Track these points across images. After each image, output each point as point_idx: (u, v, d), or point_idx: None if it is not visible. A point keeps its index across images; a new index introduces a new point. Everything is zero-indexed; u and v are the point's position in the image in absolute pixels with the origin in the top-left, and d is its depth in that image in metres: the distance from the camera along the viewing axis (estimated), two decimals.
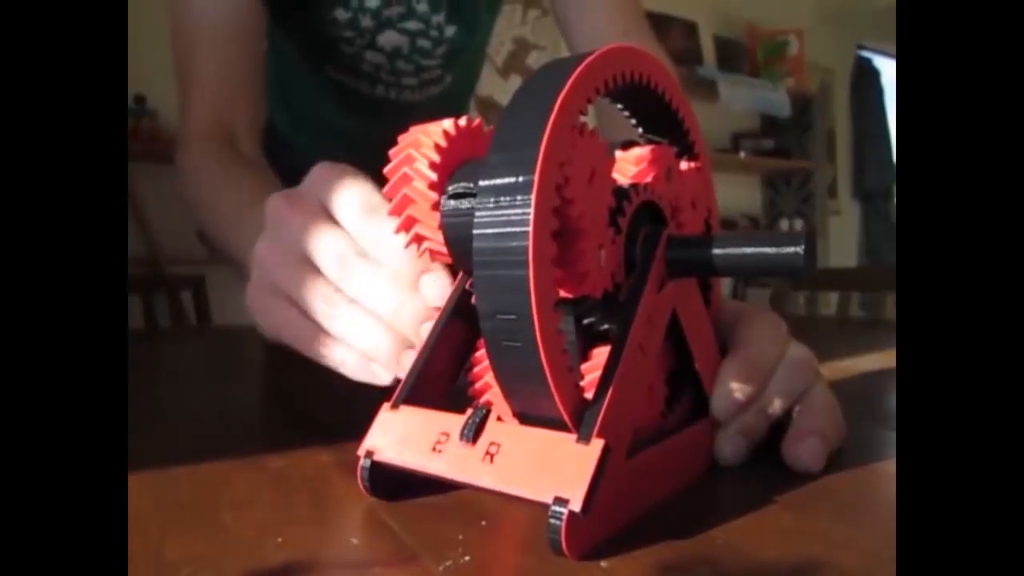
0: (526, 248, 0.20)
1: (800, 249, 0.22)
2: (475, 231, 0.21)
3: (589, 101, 0.22)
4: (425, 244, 0.26)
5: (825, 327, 0.91)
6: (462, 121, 0.25)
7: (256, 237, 0.34)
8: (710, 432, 0.28)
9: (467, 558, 0.20)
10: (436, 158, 0.25)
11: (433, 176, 0.25)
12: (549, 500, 0.20)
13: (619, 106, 0.27)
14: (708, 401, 0.27)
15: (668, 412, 0.26)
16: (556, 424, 0.21)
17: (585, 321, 0.25)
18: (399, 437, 0.24)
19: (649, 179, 0.26)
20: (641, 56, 0.25)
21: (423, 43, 0.75)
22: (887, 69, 3.83)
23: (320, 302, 0.31)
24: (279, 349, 0.35)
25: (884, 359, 0.56)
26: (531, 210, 0.20)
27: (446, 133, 0.25)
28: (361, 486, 0.25)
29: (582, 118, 0.22)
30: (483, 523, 0.23)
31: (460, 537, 0.21)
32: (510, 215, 0.20)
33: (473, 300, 0.22)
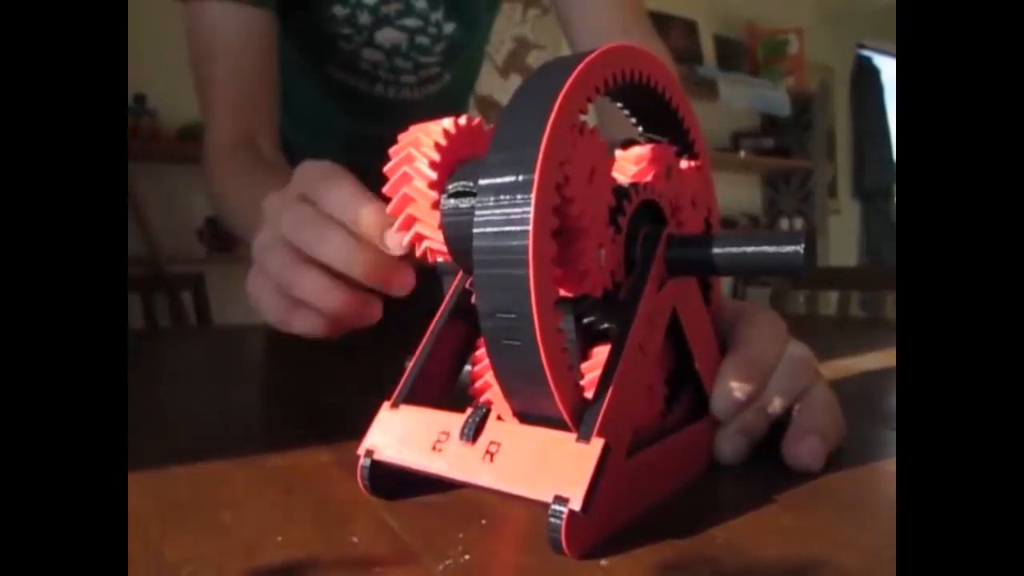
0: (526, 247, 0.20)
1: (800, 248, 0.22)
2: (475, 230, 0.21)
3: (589, 100, 0.22)
4: (425, 243, 0.26)
5: (825, 326, 0.91)
6: (462, 120, 0.25)
7: None
8: (710, 431, 0.28)
9: (467, 557, 0.20)
10: (436, 157, 0.25)
11: (433, 175, 0.25)
12: (549, 499, 0.20)
13: (619, 105, 0.27)
14: (708, 400, 0.27)
15: (668, 411, 0.26)
16: (556, 423, 0.21)
17: (585, 320, 0.25)
18: (399, 436, 0.24)
19: (649, 178, 0.26)
20: (641, 55, 0.25)
21: (422, 40, 0.74)
22: (887, 68, 3.82)
23: (281, 269, 0.32)
24: (279, 349, 0.35)
25: (884, 359, 0.56)
26: (531, 209, 0.20)
27: (446, 132, 0.25)
28: (361, 485, 0.25)
29: (582, 117, 0.22)
30: (483, 522, 0.23)
31: (460, 536, 0.21)
32: (510, 214, 0.20)
33: (473, 299, 0.22)
